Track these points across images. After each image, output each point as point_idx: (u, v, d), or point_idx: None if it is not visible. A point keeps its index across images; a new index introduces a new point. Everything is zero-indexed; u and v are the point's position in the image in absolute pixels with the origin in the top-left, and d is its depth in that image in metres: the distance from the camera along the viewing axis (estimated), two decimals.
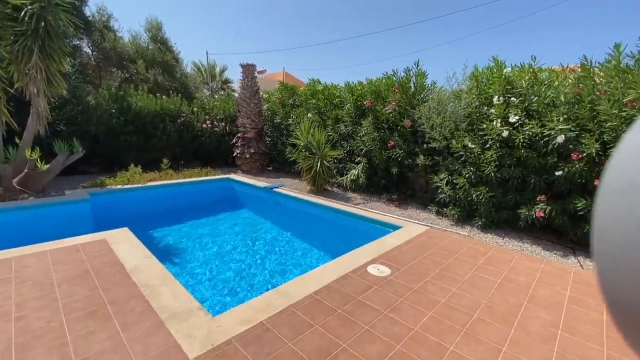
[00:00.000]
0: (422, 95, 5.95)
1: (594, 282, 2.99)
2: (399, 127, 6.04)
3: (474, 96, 4.97)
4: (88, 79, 9.77)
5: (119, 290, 2.47)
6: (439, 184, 5.26)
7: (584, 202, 3.82)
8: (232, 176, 7.94)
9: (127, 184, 6.20)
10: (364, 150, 6.53)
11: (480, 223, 4.68)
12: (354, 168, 6.75)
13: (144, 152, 8.15)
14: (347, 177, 6.75)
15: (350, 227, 5.17)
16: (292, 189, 6.82)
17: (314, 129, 6.73)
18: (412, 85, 6.02)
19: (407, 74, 5.99)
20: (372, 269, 3.00)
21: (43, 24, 5.13)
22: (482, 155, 4.63)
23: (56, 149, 5.53)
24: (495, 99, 4.64)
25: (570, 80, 4.33)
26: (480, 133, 4.73)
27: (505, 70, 4.74)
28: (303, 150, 6.65)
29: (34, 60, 5.19)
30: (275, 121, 9.17)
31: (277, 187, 6.78)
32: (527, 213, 4.28)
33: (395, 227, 4.39)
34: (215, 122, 9.57)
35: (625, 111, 3.55)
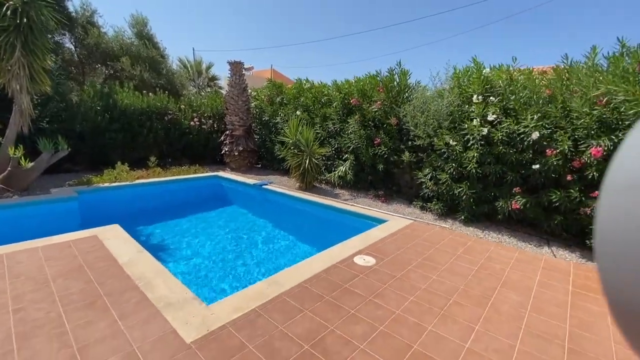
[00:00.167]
0: (406, 94, 6.15)
1: (562, 268, 3.25)
2: (384, 125, 6.23)
3: (455, 96, 5.20)
4: (71, 75, 9.55)
5: (114, 283, 2.55)
6: (423, 180, 5.48)
7: (558, 194, 4.07)
8: (221, 174, 7.97)
9: (115, 182, 6.17)
10: (351, 148, 6.69)
11: (463, 217, 4.91)
12: (342, 165, 6.91)
13: (130, 150, 8.08)
14: (335, 174, 6.90)
15: (338, 221, 5.33)
16: (281, 185, 6.93)
17: (302, 126, 6.84)
18: (395, 84, 6.20)
19: (391, 73, 6.17)
20: (359, 259, 3.17)
21: (26, 19, 5.05)
22: (464, 154, 4.86)
23: (40, 147, 5.46)
24: (474, 98, 4.88)
25: (543, 81, 4.60)
26: (462, 132, 4.96)
27: (484, 71, 4.98)
28: (292, 147, 6.76)
29: (17, 57, 5.11)
30: (263, 119, 9.23)
31: (266, 184, 6.87)
32: (503, 205, 4.54)
33: (381, 221, 4.57)
34: (203, 120, 9.55)
35: (596, 109, 3.81)
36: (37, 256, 2.96)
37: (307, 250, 4.59)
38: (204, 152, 9.66)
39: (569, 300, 2.63)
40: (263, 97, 9.47)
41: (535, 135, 4.11)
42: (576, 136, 4.05)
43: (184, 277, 3.55)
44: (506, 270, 3.12)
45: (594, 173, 3.80)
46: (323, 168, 7.22)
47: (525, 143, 4.31)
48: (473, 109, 4.87)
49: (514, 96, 4.57)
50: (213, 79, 21.27)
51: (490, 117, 4.62)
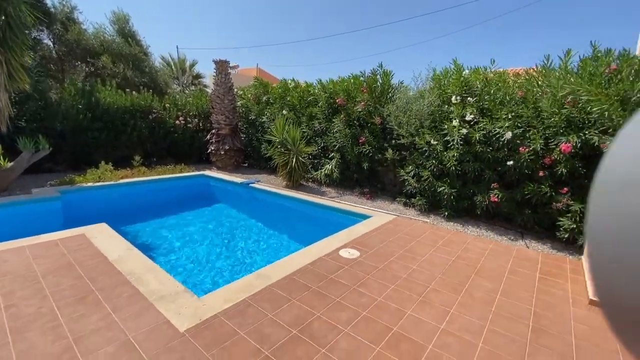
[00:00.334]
0: (389, 94, 6.35)
1: (532, 257, 3.51)
2: (369, 125, 6.41)
3: (435, 96, 5.43)
4: (50, 73, 9.28)
5: (105, 279, 2.60)
6: (406, 177, 5.70)
7: (531, 187, 4.34)
8: (208, 172, 7.97)
9: (99, 182, 6.10)
10: (337, 147, 6.84)
11: (446, 214, 5.13)
12: (328, 163, 7.05)
13: (114, 149, 7.96)
14: (321, 172, 7.04)
15: (324, 218, 5.48)
16: (269, 184, 7.01)
17: (289, 125, 6.94)
18: (378, 84, 6.39)
19: (374, 74, 6.36)
20: (344, 252, 3.32)
21: (4, 16, 4.94)
22: (445, 152, 5.09)
23: (20, 146, 5.35)
24: (453, 99, 5.12)
25: (517, 83, 4.88)
26: (443, 132, 5.19)
27: (464, 73, 5.23)
28: (278, 146, 6.85)
29: None
30: (250, 118, 9.26)
31: (253, 183, 6.94)
32: (482, 200, 4.79)
33: (366, 217, 4.75)
34: (188, 119, 9.48)
35: (566, 108, 4.08)
36: (24, 255, 2.96)
37: (295, 246, 4.71)
38: (189, 151, 9.60)
39: (536, 286, 2.86)
40: (249, 96, 9.49)
41: (508, 135, 4.37)
42: (547, 134, 4.33)
43: (173, 273, 3.61)
44: (481, 260, 3.34)
45: (563, 170, 4.08)
46: (310, 166, 7.35)
47: (501, 142, 4.57)
48: (452, 109, 5.11)
49: (488, 96, 4.83)
50: (197, 77, 21.01)
51: (468, 117, 4.87)
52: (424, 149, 5.43)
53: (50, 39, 9.65)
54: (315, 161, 7.51)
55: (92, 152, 7.55)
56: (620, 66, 3.80)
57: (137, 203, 6.29)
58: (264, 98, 8.98)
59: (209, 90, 13.19)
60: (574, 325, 2.33)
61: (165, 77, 14.04)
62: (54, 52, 9.83)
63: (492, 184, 4.74)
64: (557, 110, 4.17)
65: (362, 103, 6.32)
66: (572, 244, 3.98)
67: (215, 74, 9.07)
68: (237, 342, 1.95)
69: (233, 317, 2.19)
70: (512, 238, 4.39)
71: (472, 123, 4.92)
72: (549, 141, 4.33)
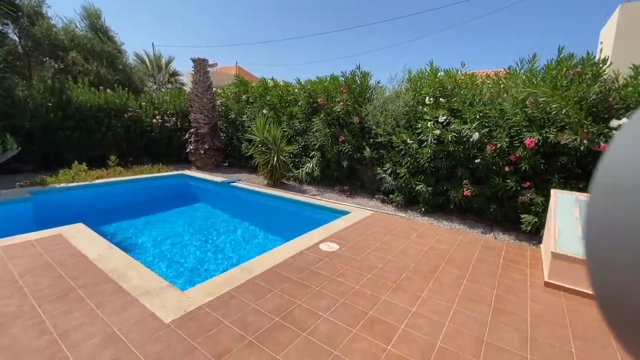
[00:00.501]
0: (367, 95, 6.57)
1: (497, 247, 3.80)
2: (348, 124, 6.60)
3: (410, 97, 5.69)
4: (16, 69, 8.82)
5: (87, 277, 2.61)
6: (383, 175, 5.93)
7: (497, 181, 4.65)
8: (187, 172, 7.89)
9: (73, 182, 5.93)
10: (317, 145, 6.99)
11: (423, 209, 5.39)
12: (309, 162, 7.18)
13: (87, 148, 7.71)
14: (302, 171, 7.16)
15: (305, 215, 5.60)
16: (250, 183, 7.06)
17: (269, 124, 7.01)
18: (357, 85, 6.59)
19: (352, 75, 6.55)
20: (324, 246, 3.47)
21: None
22: (420, 150, 5.35)
23: None
24: (427, 100, 5.39)
25: (486, 84, 5.21)
26: (417, 131, 5.45)
27: (439, 74, 5.51)
28: (259, 145, 6.91)
29: None
30: (230, 117, 9.22)
31: (234, 182, 6.96)
32: (455, 195, 5.09)
33: (345, 213, 4.92)
34: (166, 117, 9.31)
35: (527, 108, 4.41)
36: None
37: (277, 242, 4.81)
38: (167, 150, 9.43)
39: (499, 272, 3.13)
40: (229, 94, 9.45)
41: (475, 136, 4.67)
42: (511, 133, 4.66)
43: (156, 271, 3.62)
44: (451, 251, 3.59)
45: (527, 166, 4.41)
46: (291, 165, 7.45)
47: (470, 142, 4.87)
48: (426, 110, 5.37)
49: (456, 98, 5.12)
50: (174, 74, 20.51)
51: (441, 119, 5.14)
52: (400, 147, 5.67)
53: (15, 34, 9.17)
54: (297, 160, 7.61)
55: (64, 152, 7.29)
56: (584, 69, 4.15)
57: (115, 204, 6.16)
58: (244, 97, 8.98)
59: (187, 89, 12.94)
60: (530, 304, 2.59)
61: (141, 75, 13.64)
62: (19, 47, 9.35)
63: (464, 180, 5.05)
64: (519, 111, 4.51)
65: (341, 103, 6.49)
66: (535, 234, 4.33)
67: (193, 72, 8.96)
68: (221, 330, 2.05)
69: (217, 308, 2.28)
70: (482, 231, 4.70)
71: (444, 124, 5.21)
72: (514, 139, 4.67)
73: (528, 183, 4.48)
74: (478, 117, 4.82)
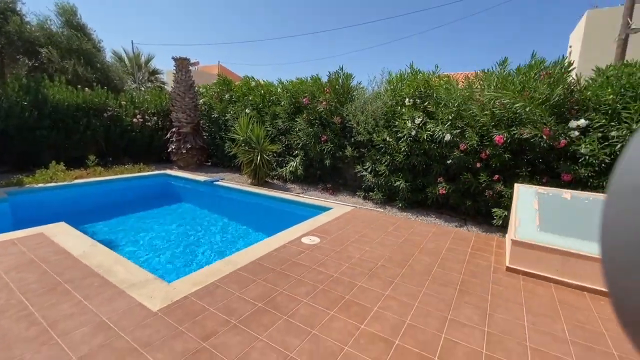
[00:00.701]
0: (349, 95, 6.78)
1: (467, 237, 4.09)
2: (330, 124, 6.79)
3: (389, 98, 5.94)
4: None
5: (73, 272, 2.67)
6: (364, 173, 6.16)
7: (467, 176, 4.96)
8: (169, 172, 7.87)
9: (51, 182, 5.83)
10: (300, 145, 7.14)
11: (400, 205, 5.65)
12: (293, 161, 7.33)
13: (65, 148, 7.56)
14: (286, 169, 7.30)
15: (289, 212, 5.76)
16: (233, 182, 7.13)
17: (252, 124, 7.11)
18: (340, 86, 6.80)
19: (336, 75, 6.75)
20: (305, 239, 3.65)
21: None
22: (397, 146, 5.61)
23: None
24: (406, 101, 5.65)
25: (458, 87, 5.52)
26: (395, 129, 5.71)
27: (419, 76, 5.78)
28: (243, 144, 6.99)
29: None
30: (212, 116, 9.23)
31: (217, 181, 7.02)
32: (432, 192, 5.37)
33: (327, 209, 5.11)
34: (147, 117, 9.21)
35: (495, 108, 4.72)
36: None
37: (262, 238, 4.92)
38: (148, 150, 9.33)
39: (466, 259, 3.41)
40: (212, 93, 9.45)
41: (447, 136, 4.96)
42: (481, 132, 4.98)
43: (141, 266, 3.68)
44: (424, 242, 3.85)
45: (496, 163, 4.73)
46: (275, 164, 7.57)
47: (443, 142, 5.17)
48: (404, 111, 5.64)
49: (429, 101, 5.41)
50: (154, 73, 20.12)
51: (417, 120, 5.41)
52: (380, 145, 5.91)
53: None
54: (280, 159, 7.74)
55: (41, 152, 7.12)
56: (553, 71, 4.48)
57: (95, 203, 6.10)
58: (227, 96, 9.01)
59: (168, 88, 12.76)
60: (491, 286, 2.86)
61: (120, 73, 13.35)
62: None
63: (439, 178, 5.34)
64: (488, 112, 4.83)
65: (324, 102, 6.67)
66: (505, 227, 4.65)
67: (175, 72, 8.93)
68: (207, 316, 2.19)
69: (203, 297, 2.41)
70: (456, 225, 4.99)
71: (420, 125, 5.48)
72: (484, 138, 4.99)
73: (497, 176, 4.80)
74: (450, 118, 5.12)
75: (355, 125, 6.26)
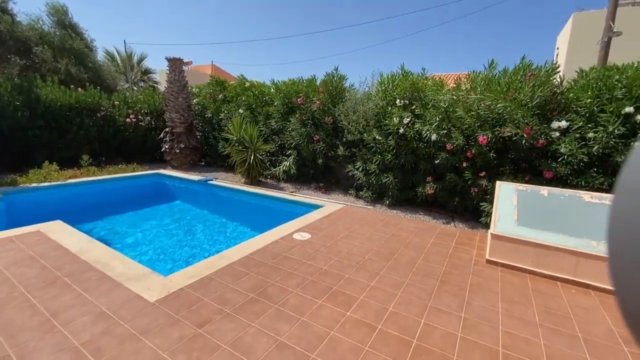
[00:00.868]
0: (342, 96, 6.93)
1: (451, 233, 4.28)
2: (322, 124, 6.94)
3: (380, 99, 6.11)
4: None
5: (72, 267, 2.78)
6: (355, 172, 6.32)
7: (451, 176, 5.15)
8: (163, 171, 7.94)
9: (44, 182, 5.88)
10: (293, 144, 7.28)
11: (388, 202, 5.83)
12: (286, 160, 7.46)
13: (58, 148, 7.58)
14: (280, 169, 7.43)
15: (282, 210, 5.89)
16: (227, 181, 7.24)
17: (246, 124, 7.22)
18: (333, 87, 6.95)
19: (331, 76, 6.90)
20: (297, 235, 3.79)
21: None
22: (386, 143, 5.77)
23: None
24: (398, 102, 5.82)
25: (445, 88, 5.71)
26: (385, 128, 5.88)
27: (410, 77, 5.96)
28: (236, 144, 7.10)
29: None
30: (206, 116, 9.31)
31: (211, 180, 7.12)
32: (421, 191, 5.55)
33: (319, 207, 5.26)
34: (140, 117, 9.25)
35: (480, 109, 4.91)
36: None
37: (255, 235, 5.07)
38: (141, 150, 9.37)
39: (449, 252, 3.59)
40: (205, 94, 9.52)
41: (434, 136, 5.15)
42: (467, 133, 5.18)
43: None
44: (410, 237, 4.03)
45: (481, 162, 4.93)
46: (268, 163, 7.69)
47: (430, 142, 5.35)
48: (394, 111, 5.81)
49: (417, 103, 5.59)
50: (147, 72, 20.05)
51: (405, 120, 5.59)
52: (370, 145, 6.08)
53: None
54: (274, 158, 7.87)
55: (33, 152, 7.14)
56: (537, 73, 4.67)
57: (90, 203, 6.16)
58: (220, 96, 9.10)
59: (161, 87, 12.75)
60: (471, 277, 3.04)
61: (113, 73, 13.32)
62: None
63: (427, 177, 5.52)
64: (474, 113, 5.03)
65: (318, 102, 6.81)
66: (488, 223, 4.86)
67: (168, 72, 8.98)
68: (202, 306, 2.32)
69: (198, 289, 2.54)
70: (444, 221, 5.18)
71: (408, 124, 5.67)
72: (469, 138, 5.19)
73: (483, 172, 4.99)
74: (436, 119, 5.30)
75: (346, 125, 6.42)
